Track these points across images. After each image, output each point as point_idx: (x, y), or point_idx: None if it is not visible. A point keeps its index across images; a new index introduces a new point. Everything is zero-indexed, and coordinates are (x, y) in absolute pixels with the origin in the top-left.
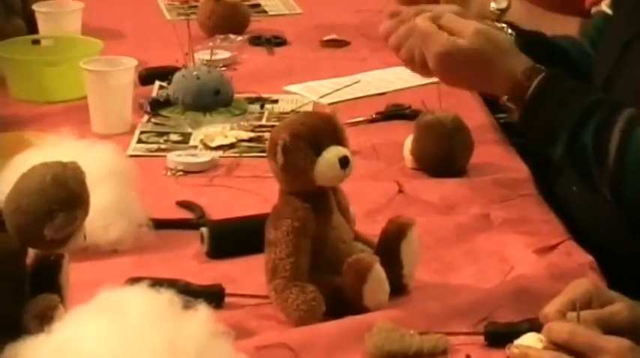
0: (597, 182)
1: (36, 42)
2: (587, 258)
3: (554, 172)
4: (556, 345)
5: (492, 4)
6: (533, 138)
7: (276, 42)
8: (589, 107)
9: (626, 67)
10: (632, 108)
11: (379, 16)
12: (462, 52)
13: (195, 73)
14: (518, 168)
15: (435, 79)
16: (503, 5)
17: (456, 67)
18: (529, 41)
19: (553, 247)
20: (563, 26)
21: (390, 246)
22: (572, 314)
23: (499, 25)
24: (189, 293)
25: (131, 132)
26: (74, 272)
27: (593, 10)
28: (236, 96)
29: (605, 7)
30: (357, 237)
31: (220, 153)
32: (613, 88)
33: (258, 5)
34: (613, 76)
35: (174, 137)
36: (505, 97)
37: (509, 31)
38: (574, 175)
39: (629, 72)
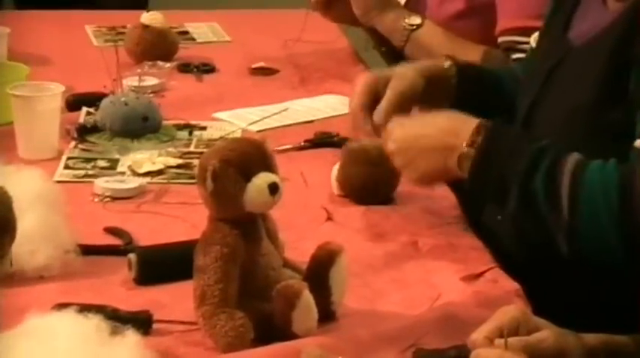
0: (552, 231)
1: None
2: (513, 285)
3: (479, 201)
4: None
5: (406, 20)
6: (484, 195)
7: (204, 69)
8: (537, 153)
9: (549, 92)
10: (577, 154)
11: (307, 45)
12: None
13: (123, 99)
14: (445, 197)
15: None
16: (417, 21)
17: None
18: (464, 73)
19: (480, 274)
20: (467, 51)
21: (319, 273)
22: (499, 341)
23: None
24: (117, 319)
25: (58, 158)
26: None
27: (500, 39)
28: (164, 122)
29: (533, 42)
30: (286, 264)
31: (148, 179)
32: (539, 111)
33: (186, 32)
34: (537, 101)
35: (101, 163)
36: (454, 160)
37: (447, 62)
38: (521, 234)
39: (553, 97)
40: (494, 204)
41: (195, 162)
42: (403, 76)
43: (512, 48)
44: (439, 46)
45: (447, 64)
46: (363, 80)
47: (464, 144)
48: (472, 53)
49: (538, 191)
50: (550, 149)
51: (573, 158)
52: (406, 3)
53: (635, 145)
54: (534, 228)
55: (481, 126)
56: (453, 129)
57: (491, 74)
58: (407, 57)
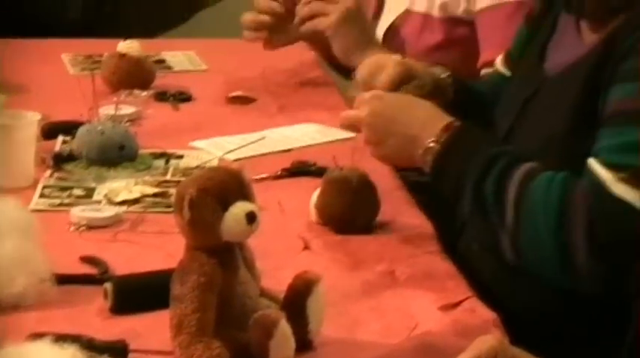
0: (499, 236)
1: None
2: (490, 314)
3: (457, 230)
4: None
5: None
6: (445, 193)
7: (181, 98)
8: (493, 157)
9: (525, 121)
10: (533, 162)
11: (285, 74)
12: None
13: (99, 127)
14: (423, 226)
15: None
16: None
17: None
18: (459, 85)
19: (457, 304)
20: None
21: (296, 302)
22: None
23: (439, 71)
24: (93, 348)
25: (34, 186)
26: None
27: (483, 71)
28: (141, 151)
29: (499, 64)
30: (263, 293)
31: (125, 208)
32: (515, 140)
33: (163, 61)
34: (514, 129)
35: (77, 192)
36: (420, 152)
37: (445, 73)
38: (474, 233)
39: (529, 126)
40: (452, 201)
41: (172, 190)
42: (422, 85)
43: None
44: None
45: (444, 74)
46: (394, 68)
47: (430, 139)
48: None
49: (488, 194)
50: (507, 154)
51: (526, 166)
52: (384, 36)
53: (588, 161)
54: (486, 231)
55: (450, 125)
56: (427, 122)
57: (476, 88)
58: None
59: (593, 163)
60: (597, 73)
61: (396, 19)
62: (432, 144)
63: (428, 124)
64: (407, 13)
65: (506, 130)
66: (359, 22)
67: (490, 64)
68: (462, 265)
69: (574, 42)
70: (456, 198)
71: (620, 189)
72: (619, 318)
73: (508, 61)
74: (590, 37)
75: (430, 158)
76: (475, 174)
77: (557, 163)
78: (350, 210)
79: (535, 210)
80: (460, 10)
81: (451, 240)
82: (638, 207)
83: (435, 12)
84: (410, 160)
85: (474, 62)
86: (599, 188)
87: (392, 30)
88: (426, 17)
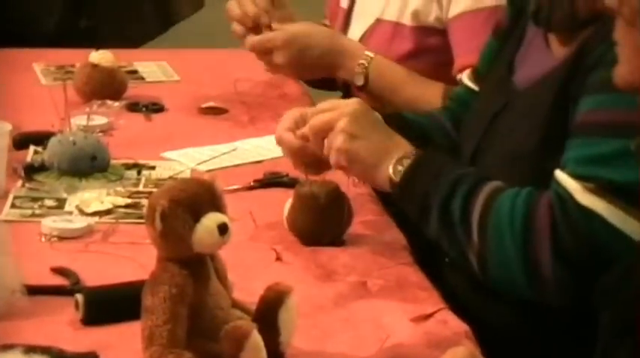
0: (466, 253)
1: None
2: (462, 326)
3: (429, 242)
4: None
5: (355, 81)
6: (410, 211)
7: (153, 108)
8: (460, 176)
9: (494, 136)
10: (499, 181)
11: (256, 85)
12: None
13: (71, 138)
14: (395, 238)
15: None
16: (360, 83)
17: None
18: (388, 122)
19: (429, 315)
20: (426, 89)
21: (268, 313)
22: None
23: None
24: None
25: (5, 197)
26: None
27: (459, 77)
28: (113, 161)
29: (466, 79)
30: (235, 304)
31: (96, 218)
32: (483, 156)
33: (135, 72)
34: (482, 145)
35: (49, 202)
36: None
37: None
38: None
39: (498, 141)
40: (419, 221)
41: (144, 201)
42: None
43: None
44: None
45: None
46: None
47: (401, 155)
48: (431, 91)
49: (454, 214)
50: (472, 175)
51: (492, 185)
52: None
53: (555, 173)
54: (453, 249)
55: (416, 149)
56: (399, 143)
57: (414, 123)
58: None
59: (560, 174)
60: (568, 86)
61: (367, 29)
62: (403, 159)
63: (400, 145)
64: (377, 22)
65: (474, 146)
66: (313, 56)
67: (465, 69)
68: (434, 277)
69: (543, 55)
70: (421, 216)
71: (587, 199)
72: (588, 330)
73: (475, 75)
74: (559, 50)
75: (401, 168)
76: (442, 193)
77: (527, 179)
78: (318, 226)
79: (500, 228)
80: (432, 18)
81: (424, 252)
82: (605, 217)
83: (406, 20)
84: (373, 170)
85: (446, 71)
86: (565, 198)
87: (362, 40)
88: (397, 26)
